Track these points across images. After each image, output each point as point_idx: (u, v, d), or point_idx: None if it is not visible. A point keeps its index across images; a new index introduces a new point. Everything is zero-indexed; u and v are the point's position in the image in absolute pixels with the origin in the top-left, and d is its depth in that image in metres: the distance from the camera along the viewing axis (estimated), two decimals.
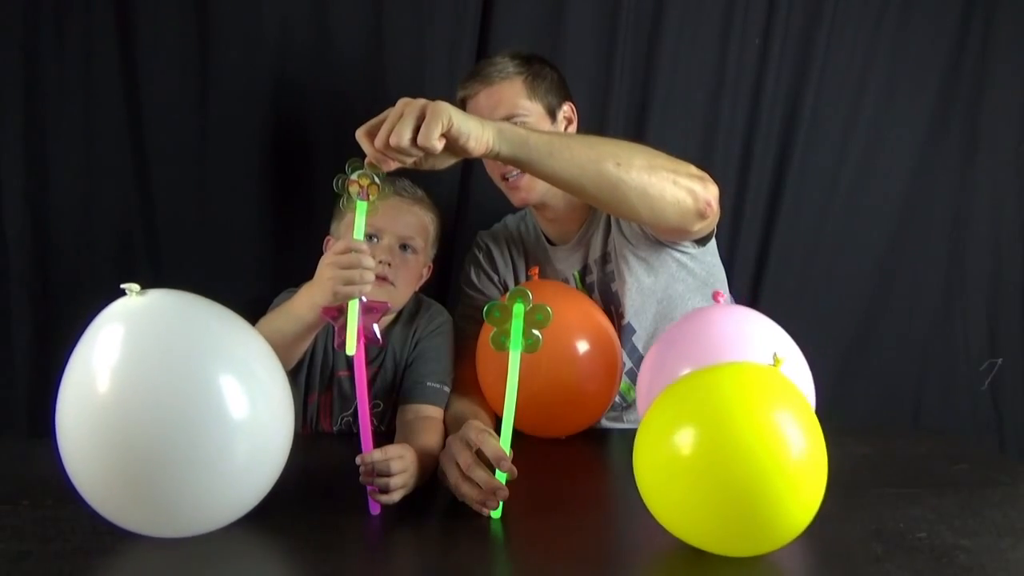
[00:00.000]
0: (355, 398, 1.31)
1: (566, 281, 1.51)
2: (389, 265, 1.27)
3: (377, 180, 1.03)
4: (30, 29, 1.55)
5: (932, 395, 1.91)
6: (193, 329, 0.93)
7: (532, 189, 1.42)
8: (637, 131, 1.75)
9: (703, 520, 0.89)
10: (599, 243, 1.48)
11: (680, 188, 1.16)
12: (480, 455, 1.02)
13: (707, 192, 1.19)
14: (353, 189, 1.03)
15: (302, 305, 1.12)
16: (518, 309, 1.06)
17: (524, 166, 1.10)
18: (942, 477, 1.21)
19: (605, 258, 1.47)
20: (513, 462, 1.00)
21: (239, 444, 0.91)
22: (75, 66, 1.58)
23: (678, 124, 1.76)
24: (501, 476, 1.02)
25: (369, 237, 1.26)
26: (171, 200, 1.63)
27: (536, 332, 1.05)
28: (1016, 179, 1.89)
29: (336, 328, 1.02)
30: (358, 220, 1.04)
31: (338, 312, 1.03)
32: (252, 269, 1.64)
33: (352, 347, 1.00)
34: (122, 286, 0.92)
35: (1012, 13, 1.82)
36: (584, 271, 1.50)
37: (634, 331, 1.46)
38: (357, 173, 1.03)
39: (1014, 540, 0.96)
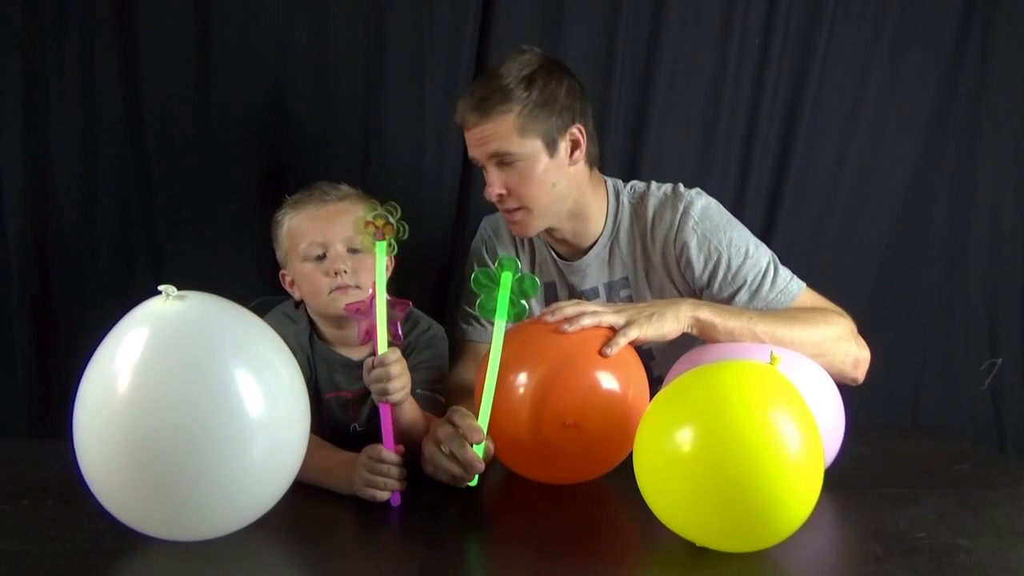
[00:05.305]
0: (347, 420, 1.33)
1: (582, 296, 1.40)
2: (346, 272, 1.24)
3: (392, 220, 1.06)
4: (30, 30, 1.55)
5: (932, 395, 1.91)
6: (223, 334, 0.93)
7: (528, 225, 1.33)
8: (637, 131, 1.75)
9: (701, 515, 0.89)
10: (622, 264, 1.40)
11: (847, 365, 1.28)
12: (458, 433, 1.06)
13: (860, 369, 1.30)
14: (369, 231, 1.07)
15: (338, 480, 1.10)
16: (505, 278, 1.07)
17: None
18: (942, 477, 1.21)
19: (624, 283, 1.40)
20: None
21: (258, 449, 0.91)
22: (75, 66, 1.57)
23: (678, 124, 1.76)
24: (479, 450, 1.05)
25: (320, 257, 1.25)
26: (171, 200, 1.63)
27: (523, 302, 1.08)
28: (1016, 179, 1.89)
29: (363, 329, 1.07)
30: (379, 262, 1.07)
31: (361, 311, 1.07)
32: (252, 269, 1.63)
33: (384, 346, 1.06)
34: (159, 288, 0.91)
35: (1012, 13, 1.82)
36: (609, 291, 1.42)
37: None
38: (373, 214, 1.06)
39: (1014, 540, 0.96)
